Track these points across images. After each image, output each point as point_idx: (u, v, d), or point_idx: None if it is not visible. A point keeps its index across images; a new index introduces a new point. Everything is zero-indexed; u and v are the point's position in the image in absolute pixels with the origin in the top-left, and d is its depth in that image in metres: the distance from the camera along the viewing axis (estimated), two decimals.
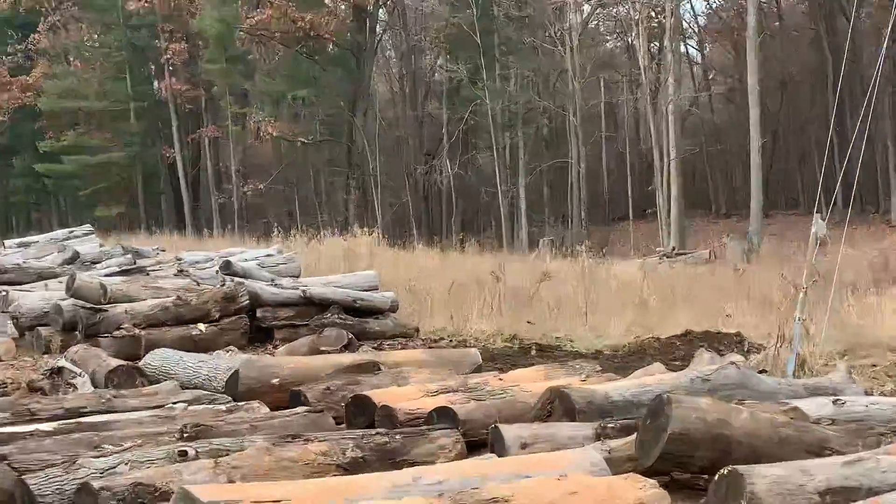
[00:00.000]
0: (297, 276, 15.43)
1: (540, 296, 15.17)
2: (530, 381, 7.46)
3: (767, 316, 12.64)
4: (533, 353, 11.24)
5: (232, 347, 10.67)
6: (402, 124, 47.09)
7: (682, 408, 5.18)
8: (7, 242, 20.58)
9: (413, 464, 5.27)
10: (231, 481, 4.78)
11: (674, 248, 30.26)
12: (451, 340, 12.54)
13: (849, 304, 12.74)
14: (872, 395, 7.94)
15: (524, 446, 5.62)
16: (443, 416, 6.39)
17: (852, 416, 6.33)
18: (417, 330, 13.09)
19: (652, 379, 6.93)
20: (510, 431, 5.77)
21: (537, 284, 15.48)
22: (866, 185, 39.47)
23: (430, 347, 11.43)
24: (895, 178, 40.42)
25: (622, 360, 10.56)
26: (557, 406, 6.29)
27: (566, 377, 7.57)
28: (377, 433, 5.62)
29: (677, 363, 9.78)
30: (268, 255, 17.37)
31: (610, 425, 5.91)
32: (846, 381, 7.71)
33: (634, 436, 5.53)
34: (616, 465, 5.16)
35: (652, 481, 4.44)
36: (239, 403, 7.17)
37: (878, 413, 6.49)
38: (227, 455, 5.13)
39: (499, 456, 5.43)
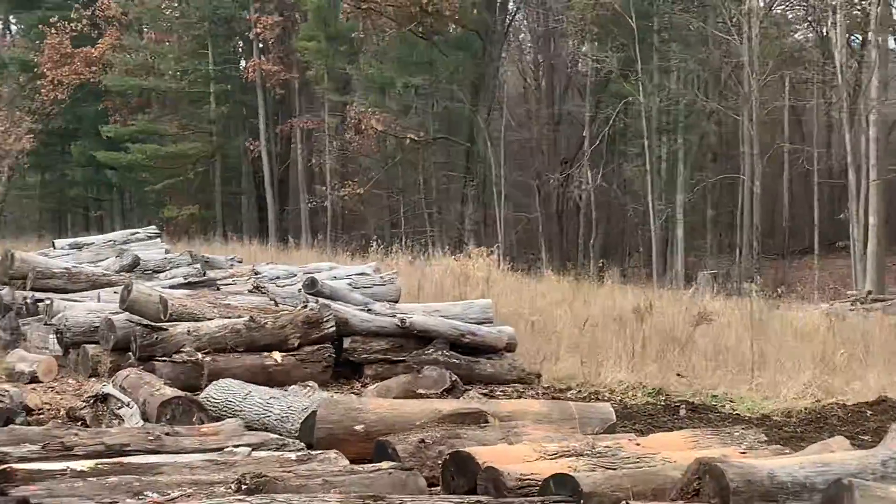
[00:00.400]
0: (396, 302, 15.48)
1: (695, 343, 14.94)
2: (675, 450, 7.28)
3: None
4: (682, 413, 11.05)
5: (311, 383, 10.70)
6: (535, 124, 47.04)
7: (866, 497, 4.95)
8: (58, 243, 21.12)
9: None
10: None
11: (870, 293, 29.48)
12: (579, 391, 12.42)
13: None
14: None
15: None
16: (561, 485, 6.26)
17: None
18: (539, 376, 13.00)
19: (832, 457, 6.67)
20: None
21: (692, 328, 15.23)
22: None
23: (552, 398, 11.30)
24: None
25: (794, 430, 10.32)
26: (707, 483, 6.10)
27: (721, 447, 7.37)
28: (478, 501, 5.52)
29: (866, 438, 9.52)
30: (362, 274, 17.47)
31: None
32: None
33: None
34: None
35: None
36: (313, 452, 7.16)
37: None
38: None
39: None
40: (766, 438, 7.96)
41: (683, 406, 11.41)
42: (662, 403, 11.70)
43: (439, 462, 7.13)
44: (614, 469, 6.69)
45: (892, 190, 38.60)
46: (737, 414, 11.30)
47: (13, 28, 55.46)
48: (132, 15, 48.40)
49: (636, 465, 6.79)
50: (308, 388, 10.29)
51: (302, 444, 7.79)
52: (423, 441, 7.48)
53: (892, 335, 17.87)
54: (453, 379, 10.70)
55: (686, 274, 37.16)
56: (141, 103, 49.36)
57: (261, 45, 45.54)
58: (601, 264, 31.97)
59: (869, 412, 11.21)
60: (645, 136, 39.83)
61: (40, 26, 46.55)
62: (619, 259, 40.40)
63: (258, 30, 44.32)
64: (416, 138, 43.28)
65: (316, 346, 12.10)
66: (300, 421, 8.44)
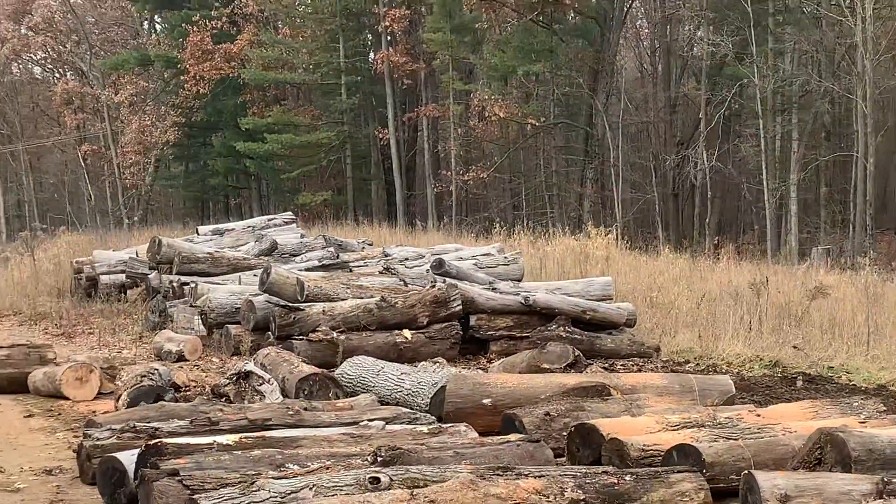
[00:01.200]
0: (520, 281, 15.43)
1: (811, 316, 14.63)
2: (795, 420, 7.14)
3: None
4: (799, 384, 10.86)
5: (440, 359, 10.73)
6: (652, 107, 46.48)
7: None
8: (201, 229, 21.48)
9: None
10: None
11: None
12: (697, 364, 12.27)
13: None
14: None
15: (784, 499, 5.37)
16: (684, 455, 6.19)
17: None
18: (658, 350, 12.88)
19: None
20: (768, 481, 5.52)
21: (808, 302, 14.92)
22: None
23: (671, 371, 11.17)
24: None
25: None
26: (828, 452, 5.97)
27: (840, 417, 7.21)
28: (604, 471, 5.47)
29: None
30: (486, 255, 17.44)
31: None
32: None
33: None
34: None
35: None
36: (443, 425, 7.17)
37: None
38: (426, 486, 5.10)
39: None
40: (884, 408, 7.78)
41: (800, 377, 11.20)
42: (779, 375, 11.50)
43: (564, 434, 7.10)
44: (735, 439, 6.59)
45: None
46: (853, 384, 11.05)
47: (158, 27, 56.51)
48: (268, 12, 49.02)
49: (757, 435, 6.68)
50: (437, 364, 10.32)
51: (433, 417, 7.81)
52: (548, 414, 7.45)
53: None
54: (576, 354, 10.62)
55: (800, 250, 36.37)
56: (277, 96, 49.98)
57: (389, 38, 45.66)
58: (717, 242, 31.47)
59: None
60: (759, 116, 39.11)
61: (183, 24, 47.37)
62: (734, 237, 39.72)
63: (387, 23, 44.45)
64: (536, 124, 43.06)
65: (444, 324, 12.15)
66: (430, 395, 8.47)
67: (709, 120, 41.56)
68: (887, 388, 10.79)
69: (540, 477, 5.28)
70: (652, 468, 5.70)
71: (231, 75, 46.78)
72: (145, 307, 16.20)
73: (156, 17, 56.29)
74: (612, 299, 14.21)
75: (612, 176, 42.45)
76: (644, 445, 6.47)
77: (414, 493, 4.93)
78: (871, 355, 12.55)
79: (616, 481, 5.32)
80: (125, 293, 18.24)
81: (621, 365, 11.94)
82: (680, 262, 22.79)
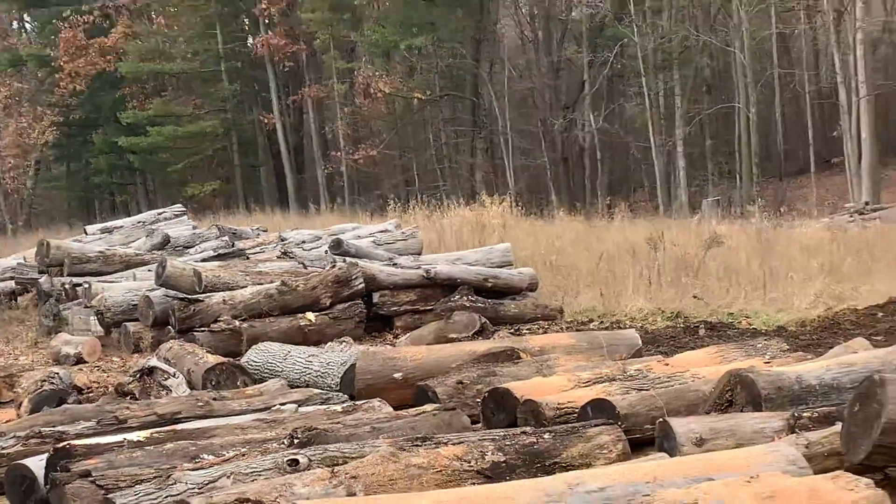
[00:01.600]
0: (419, 254, 15.44)
1: (707, 266, 14.89)
2: (702, 366, 7.27)
3: None
4: (701, 332, 11.03)
5: (346, 338, 10.70)
6: (535, 73, 46.73)
7: None
8: (89, 229, 21.10)
9: (566, 468, 5.14)
10: (351, 494, 4.72)
11: (867, 204, 29.38)
12: (601, 322, 12.42)
13: None
14: None
15: (700, 443, 5.45)
16: (599, 410, 6.25)
17: None
18: (562, 311, 12.99)
19: (855, 357, 6.64)
20: (682, 426, 5.60)
21: (704, 253, 15.17)
22: None
23: (577, 331, 11.27)
24: None
25: (811, 338, 10.26)
26: (739, 394, 6.08)
27: (746, 359, 7.36)
28: (522, 432, 5.50)
29: (879, 338, 9.47)
30: (384, 232, 17.41)
31: (805, 414, 5.68)
32: None
33: (837, 426, 5.28)
34: (815, 462, 4.99)
35: (866, 480, 4.20)
36: (357, 403, 7.14)
37: None
38: (346, 463, 5.08)
39: (669, 456, 5.25)
40: (787, 347, 7.94)
41: (702, 326, 11.38)
42: (682, 326, 11.67)
43: (478, 400, 7.12)
44: (647, 390, 6.68)
45: (880, 105, 38.30)
46: (754, 328, 11.27)
47: (28, 26, 55.25)
48: (141, 2, 48.17)
49: (667, 384, 6.78)
50: (344, 343, 10.29)
51: (345, 396, 7.78)
52: (461, 382, 7.47)
53: (894, 241, 17.78)
54: (482, 321, 10.67)
55: (690, 203, 36.98)
56: (156, 87, 49.22)
57: (267, 21, 45.25)
58: (609, 202, 31.81)
59: (880, 314, 11.16)
60: (642, 75, 39.60)
61: (54, 21, 46.41)
62: (626, 195, 40.13)
63: (263, 5, 44.02)
64: (422, 97, 43.12)
65: (347, 304, 12.08)
66: (340, 375, 8.44)
67: (593, 82, 41.97)
68: (786, 328, 11.02)
69: (460, 443, 5.29)
70: (569, 425, 5.75)
71: (108, 70, 46.01)
72: (38, 312, 15.84)
73: (24, 16, 54.99)
74: (512, 265, 14.29)
75: (501, 144, 42.67)
76: (558, 404, 6.52)
77: (335, 470, 4.90)
78: (768, 299, 12.84)
79: (535, 440, 5.34)
80: (16, 300, 17.83)
81: (527, 329, 12.00)
82: (575, 224, 23.01)
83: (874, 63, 37.61)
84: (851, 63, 34.83)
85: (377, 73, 42.28)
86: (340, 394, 7.86)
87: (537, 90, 45.36)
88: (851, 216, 26.45)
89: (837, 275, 13.98)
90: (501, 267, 13.89)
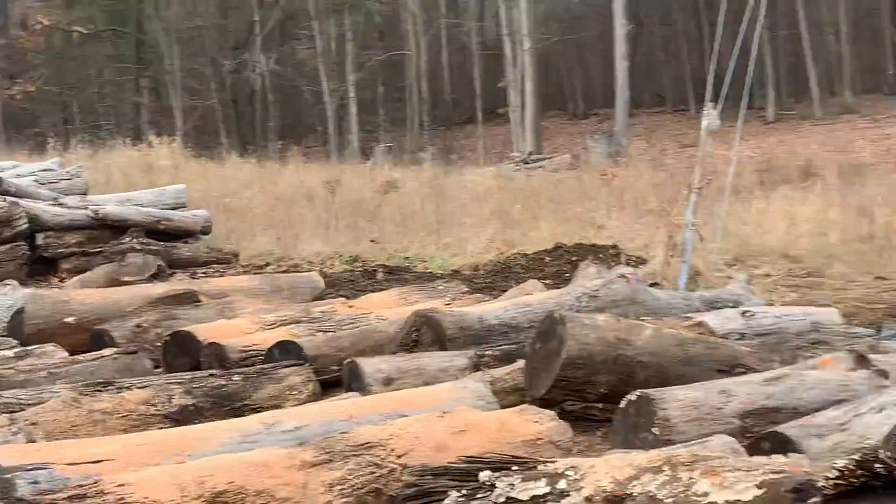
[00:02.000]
0: (85, 195, 14.84)
1: (383, 211, 15.12)
2: (386, 308, 7.39)
3: (645, 225, 12.94)
4: (380, 276, 11.19)
5: (10, 281, 10.16)
6: (203, 12, 45.76)
7: (578, 326, 5.17)
8: None
9: (257, 410, 5.11)
10: (32, 441, 4.51)
11: (531, 153, 30.61)
12: (279, 265, 12.40)
13: (733, 209, 13.10)
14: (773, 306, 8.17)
15: (388, 382, 5.56)
16: (285, 351, 6.24)
17: (763, 329, 6.52)
18: (237, 255, 12.84)
19: (532, 298, 6.94)
20: (370, 366, 5.69)
21: (380, 198, 15.40)
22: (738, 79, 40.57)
23: (256, 274, 11.21)
24: (772, 69, 41.65)
25: (485, 281, 10.60)
26: (425, 333, 6.23)
27: (428, 301, 7.53)
28: (210, 374, 5.44)
29: (548, 281, 9.87)
30: (47, 170, 16.60)
31: (488, 353, 5.89)
32: (746, 293, 7.92)
33: (519, 363, 5.51)
34: (500, 398, 5.14)
35: (550, 413, 4.42)
36: (29, 348, 6.83)
37: (790, 325, 6.70)
38: (24, 410, 4.86)
39: (360, 395, 5.32)
40: (466, 289, 8.18)
41: (380, 269, 11.55)
42: (360, 269, 11.80)
43: (158, 344, 6.96)
44: (333, 331, 6.73)
45: (543, 57, 39.92)
46: (430, 272, 11.52)
47: None
48: None
49: (352, 325, 6.86)
50: (8, 286, 9.78)
51: (14, 341, 7.42)
52: (139, 325, 7.30)
53: (556, 189, 18.66)
54: (159, 264, 10.43)
55: (362, 149, 37.39)
56: None
57: None
58: (281, 145, 31.71)
59: (547, 258, 11.66)
60: (314, 18, 39.58)
61: None
62: (299, 139, 40.14)
63: None
64: (83, 31, 41.37)
65: (9, 245, 11.48)
66: (7, 320, 8.04)
67: (263, 24, 41.57)
68: (461, 272, 11.35)
69: (145, 387, 5.17)
70: (260, 367, 5.72)
71: None
72: None
73: None
74: (185, 207, 14.00)
75: (168, 84, 41.65)
76: (244, 346, 6.47)
77: (13, 417, 4.69)
78: (442, 244, 13.18)
79: (225, 383, 5.29)
80: None
81: (202, 272, 11.79)
82: (248, 167, 22.80)
83: (537, 16, 39.09)
84: (516, 16, 36.12)
85: (36, 5, 40.26)
86: (10, 339, 7.49)
87: (205, 29, 44.50)
88: (517, 165, 27.48)
89: (507, 221, 14.52)
90: (175, 209, 13.58)
